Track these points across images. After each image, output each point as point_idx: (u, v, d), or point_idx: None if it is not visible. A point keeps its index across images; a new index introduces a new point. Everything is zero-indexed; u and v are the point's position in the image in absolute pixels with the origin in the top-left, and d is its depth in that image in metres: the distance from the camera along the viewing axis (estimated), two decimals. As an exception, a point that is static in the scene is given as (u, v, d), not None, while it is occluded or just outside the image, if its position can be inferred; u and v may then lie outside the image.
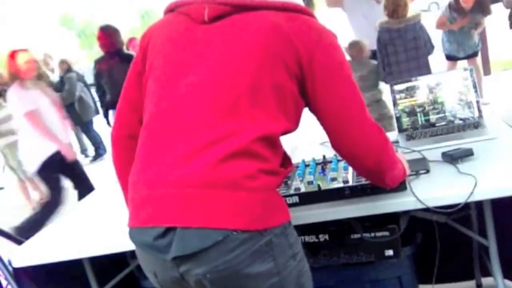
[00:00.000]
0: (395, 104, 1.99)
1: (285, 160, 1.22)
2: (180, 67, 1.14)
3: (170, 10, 1.23)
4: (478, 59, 5.48)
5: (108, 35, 4.57)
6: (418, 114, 1.97)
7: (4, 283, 1.73)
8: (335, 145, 1.18)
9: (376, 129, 1.17)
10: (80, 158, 7.83)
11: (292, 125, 1.15)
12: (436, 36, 4.63)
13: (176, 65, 1.14)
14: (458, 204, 1.30)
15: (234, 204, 1.03)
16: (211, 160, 1.03)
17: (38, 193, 5.88)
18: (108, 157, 5.95)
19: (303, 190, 1.45)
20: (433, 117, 1.96)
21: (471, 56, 5.26)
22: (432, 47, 3.83)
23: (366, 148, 1.16)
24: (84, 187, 3.88)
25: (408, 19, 3.69)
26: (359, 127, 1.14)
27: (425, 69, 3.67)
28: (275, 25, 1.09)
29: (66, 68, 6.91)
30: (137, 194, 1.12)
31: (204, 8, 1.13)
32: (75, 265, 1.75)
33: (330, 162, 1.62)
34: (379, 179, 1.26)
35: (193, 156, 1.05)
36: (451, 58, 5.31)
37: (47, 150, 3.70)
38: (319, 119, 1.17)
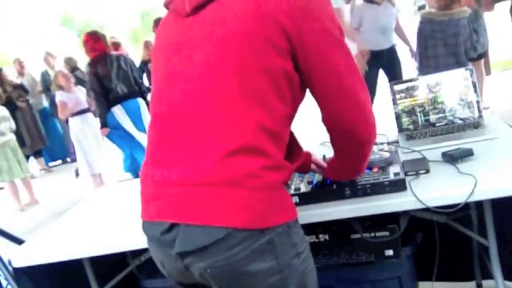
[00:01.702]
0: (395, 103, 1.99)
1: (295, 151, 1.22)
2: (173, 67, 1.15)
3: (166, 7, 1.24)
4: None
5: (98, 40, 4.83)
6: (418, 114, 1.97)
7: (4, 283, 1.73)
8: (331, 117, 1.15)
9: (369, 100, 1.16)
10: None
11: (289, 108, 1.12)
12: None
13: (170, 66, 1.16)
14: (458, 204, 1.29)
15: (236, 202, 1.03)
16: (213, 158, 1.04)
17: (28, 195, 5.87)
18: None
19: (303, 190, 1.45)
20: (433, 117, 1.95)
21: (475, 59, 5.03)
22: (474, 49, 3.61)
23: (365, 118, 1.14)
24: None
25: (452, 13, 3.53)
26: (356, 96, 1.12)
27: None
28: (254, 5, 1.06)
29: (72, 66, 6.90)
30: (146, 190, 1.17)
31: (185, 0, 1.13)
32: (75, 265, 1.75)
33: (330, 162, 1.62)
34: (363, 158, 1.26)
35: (196, 154, 1.06)
36: None
37: None
38: (314, 92, 1.13)
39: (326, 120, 1.17)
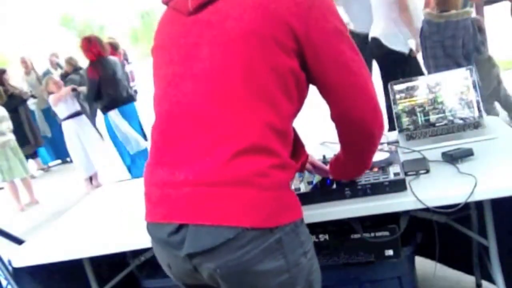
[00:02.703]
0: (395, 103, 1.99)
1: (298, 149, 1.21)
2: (176, 66, 1.14)
3: (165, 4, 1.23)
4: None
5: (95, 44, 4.81)
6: (418, 114, 1.97)
7: (4, 283, 1.73)
8: (342, 111, 1.15)
9: (375, 88, 1.16)
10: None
11: (295, 106, 1.12)
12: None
13: (173, 65, 1.15)
14: (458, 204, 1.29)
15: (245, 202, 1.03)
16: (221, 158, 1.04)
17: (28, 195, 5.86)
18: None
19: (303, 190, 1.45)
20: (433, 117, 1.95)
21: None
22: (477, 51, 3.56)
23: (374, 107, 1.14)
24: None
25: (450, 15, 3.47)
26: (366, 89, 1.12)
27: None
28: (259, 4, 1.05)
29: (74, 65, 6.90)
30: (150, 191, 1.16)
31: None
32: (75, 265, 1.75)
33: (330, 162, 1.62)
34: (371, 151, 1.26)
35: (203, 153, 1.06)
36: None
37: None
38: (326, 88, 1.13)
39: (337, 115, 1.17)
